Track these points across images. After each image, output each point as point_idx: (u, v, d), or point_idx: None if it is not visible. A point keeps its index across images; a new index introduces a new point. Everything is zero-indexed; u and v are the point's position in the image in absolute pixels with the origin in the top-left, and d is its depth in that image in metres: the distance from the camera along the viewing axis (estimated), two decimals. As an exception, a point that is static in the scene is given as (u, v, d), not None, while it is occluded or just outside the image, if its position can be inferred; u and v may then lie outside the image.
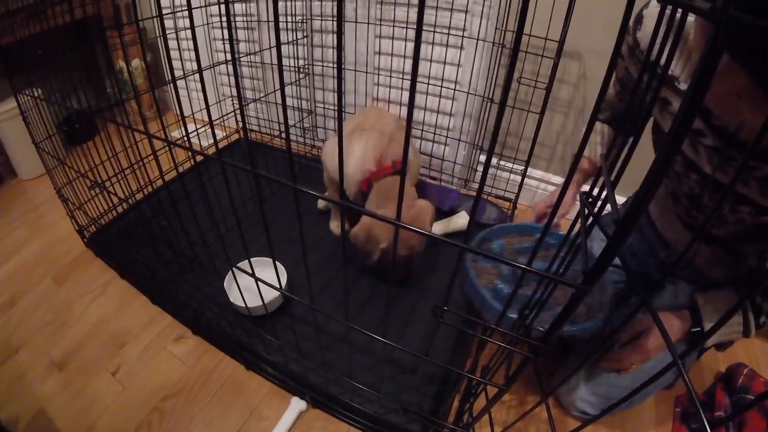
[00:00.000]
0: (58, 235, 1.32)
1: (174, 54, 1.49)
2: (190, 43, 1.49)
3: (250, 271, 0.58)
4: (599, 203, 0.37)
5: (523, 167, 1.13)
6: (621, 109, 0.83)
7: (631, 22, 0.62)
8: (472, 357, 0.95)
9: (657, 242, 0.86)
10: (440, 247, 0.97)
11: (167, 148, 0.59)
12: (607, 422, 0.86)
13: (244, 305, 0.75)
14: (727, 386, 0.86)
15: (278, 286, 0.58)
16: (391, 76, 1.32)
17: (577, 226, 0.40)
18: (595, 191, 0.39)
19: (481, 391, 0.69)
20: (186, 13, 1.43)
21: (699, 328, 0.67)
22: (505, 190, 1.38)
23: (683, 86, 0.58)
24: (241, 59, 1.53)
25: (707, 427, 0.24)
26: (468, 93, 1.24)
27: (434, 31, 1.16)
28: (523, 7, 0.25)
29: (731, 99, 0.42)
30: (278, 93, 1.46)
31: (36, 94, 1.01)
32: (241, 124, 1.72)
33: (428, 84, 1.26)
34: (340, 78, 0.29)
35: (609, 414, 0.70)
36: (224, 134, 1.66)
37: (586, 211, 0.39)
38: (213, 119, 0.46)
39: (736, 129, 0.52)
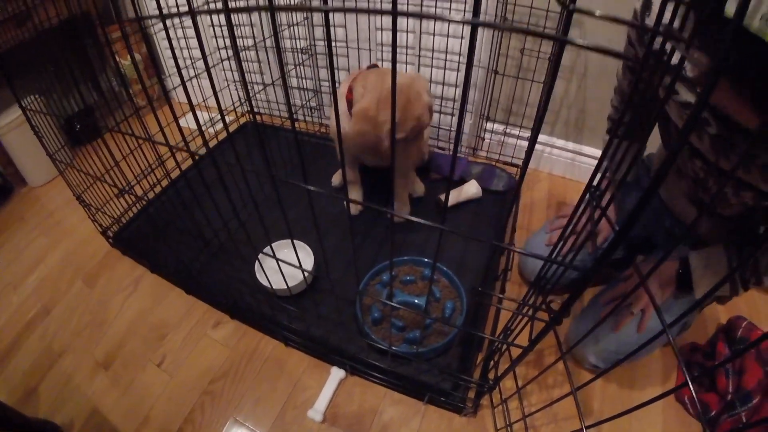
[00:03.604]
0: (80, 237, 1.32)
1: (173, 43, 1.46)
2: (186, 31, 1.47)
3: (294, 251, 0.60)
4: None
5: (528, 133, 1.16)
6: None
7: (638, 7, 0.61)
8: (491, 321, 1.00)
9: (663, 211, 0.90)
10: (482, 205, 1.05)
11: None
12: (617, 372, 0.92)
13: (285, 286, 0.79)
14: (728, 337, 0.90)
15: (307, 270, 0.61)
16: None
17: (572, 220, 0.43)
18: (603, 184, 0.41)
19: (506, 350, 0.74)
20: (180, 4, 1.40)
21: (687, 278, 0.73)
22: (513, 156, 1.41)
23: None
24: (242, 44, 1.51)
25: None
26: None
27: (435, 6, 1.16)
28: None
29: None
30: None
31: (39, 106, 0.99)
32: (248, 108, 1.72)
33: (432, 57, 1.27)
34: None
35: (619, 366, 0.78)
36: (232, 118, 1.66)
37: (594, 204, 0.42)
38: (220, 109, 0.48)
39: (738, 120, 0.53)
